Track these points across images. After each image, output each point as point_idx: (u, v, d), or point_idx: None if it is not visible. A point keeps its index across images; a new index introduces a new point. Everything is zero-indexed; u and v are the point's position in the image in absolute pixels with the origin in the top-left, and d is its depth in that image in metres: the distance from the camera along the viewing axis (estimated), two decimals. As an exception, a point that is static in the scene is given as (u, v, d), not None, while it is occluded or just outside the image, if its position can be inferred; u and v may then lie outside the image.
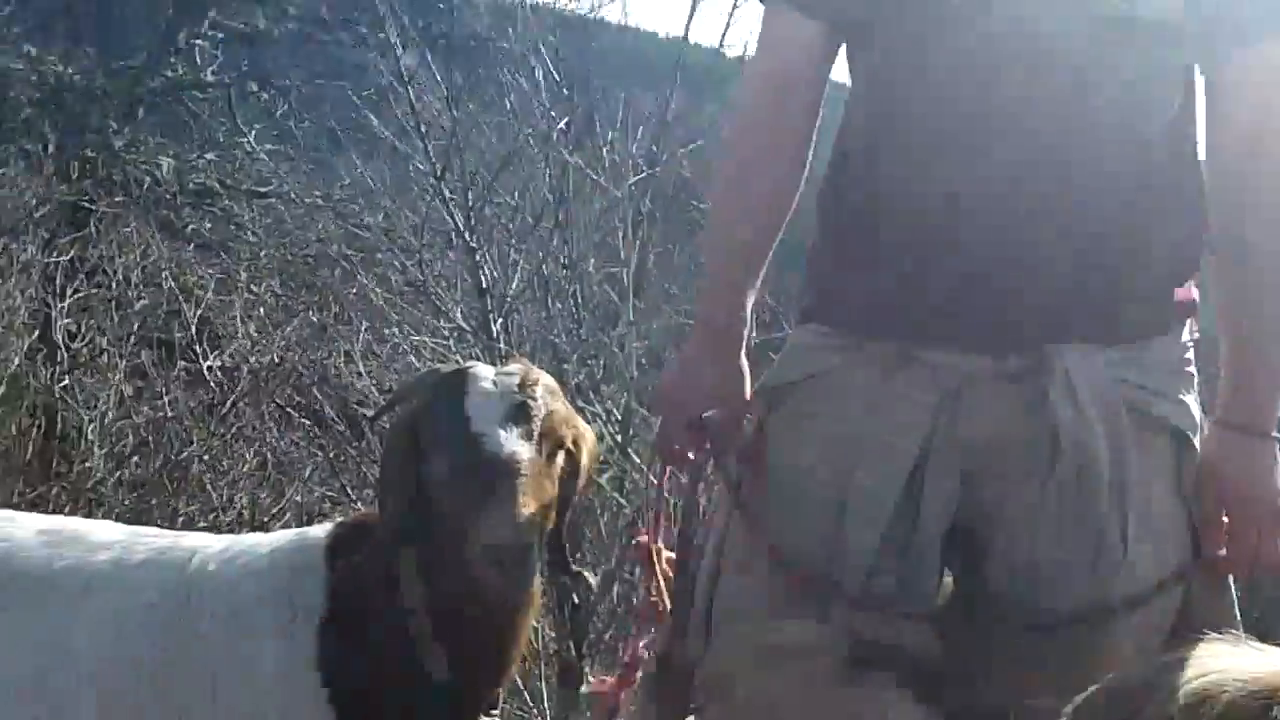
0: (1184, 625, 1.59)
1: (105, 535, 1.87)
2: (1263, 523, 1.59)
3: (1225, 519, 1.61)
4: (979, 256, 1.57)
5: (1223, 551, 1.62)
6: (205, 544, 1.86)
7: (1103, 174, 1.56)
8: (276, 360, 5.58)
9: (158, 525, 4.77)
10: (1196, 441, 1.65)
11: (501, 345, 4.51)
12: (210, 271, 7.11)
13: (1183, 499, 1.64)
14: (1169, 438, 1.63)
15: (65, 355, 5.47)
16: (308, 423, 5.40)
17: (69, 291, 5.75)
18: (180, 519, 4.78)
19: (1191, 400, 1.67)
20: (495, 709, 1.82)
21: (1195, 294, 1.69)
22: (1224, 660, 1.27)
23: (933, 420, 1.59)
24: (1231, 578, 1.67)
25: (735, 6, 5.78)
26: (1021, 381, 1.59)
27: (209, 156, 8.76)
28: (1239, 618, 1.65)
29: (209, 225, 8.47)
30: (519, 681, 3.18)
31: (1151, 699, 1.25)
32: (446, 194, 5.10)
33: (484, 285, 4.93)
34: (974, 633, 1.64)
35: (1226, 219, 1.61)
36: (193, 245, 8.03)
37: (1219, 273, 1.65)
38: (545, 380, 1.73)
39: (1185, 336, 1.69)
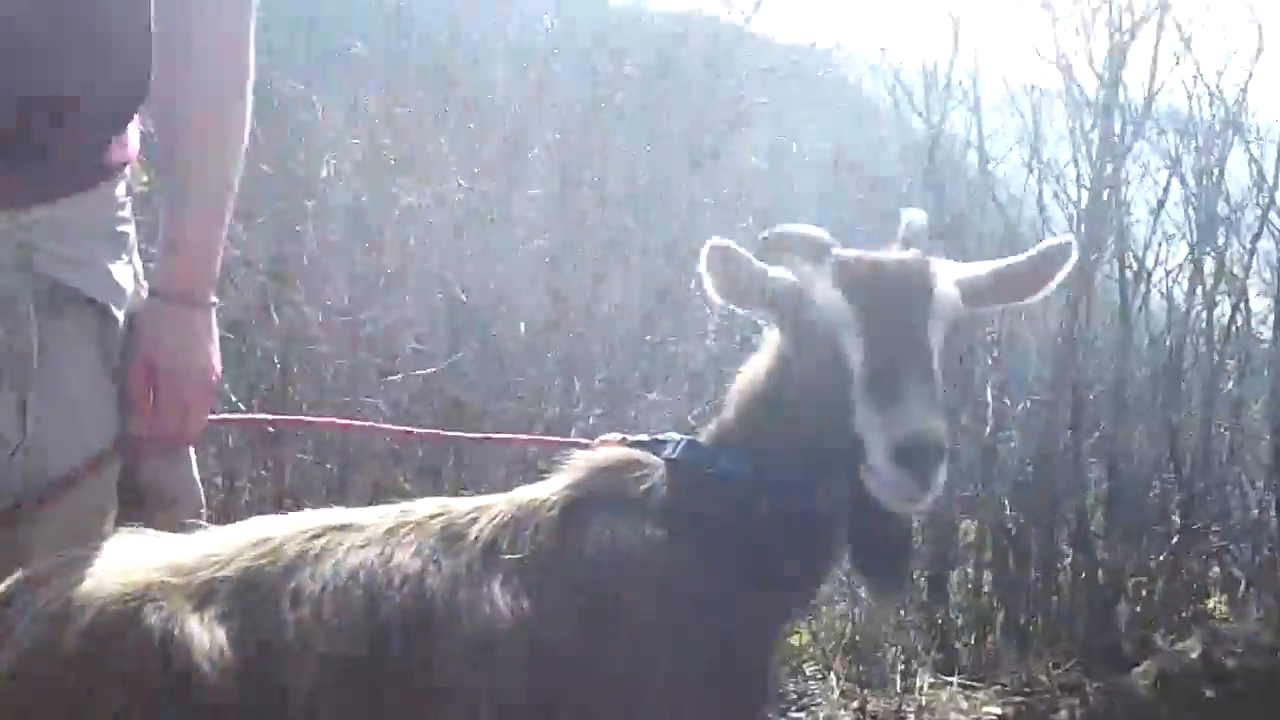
0: (150, 498, 1.62)
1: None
2: (193, 393, 1.56)
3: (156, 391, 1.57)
4: None
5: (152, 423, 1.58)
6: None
7: None
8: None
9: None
10: (120, 312, 1.58)
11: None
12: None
13: (111, 375, 1.57)
14: (90, 311, 1.55)
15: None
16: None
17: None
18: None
19: (121, 266, 1.60)
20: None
21: (134, 147, 1.64)
22: (106, 562, 1.34)
23: None
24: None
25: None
26: None
27: None
28: (199, 486, 1.70)
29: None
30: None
31: (12, 625, 1.27)
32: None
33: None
34: None
35: (160, 74, 1.55)
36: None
37: (157, 133, 1.60)
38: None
39: (121, 193, 1.62)
